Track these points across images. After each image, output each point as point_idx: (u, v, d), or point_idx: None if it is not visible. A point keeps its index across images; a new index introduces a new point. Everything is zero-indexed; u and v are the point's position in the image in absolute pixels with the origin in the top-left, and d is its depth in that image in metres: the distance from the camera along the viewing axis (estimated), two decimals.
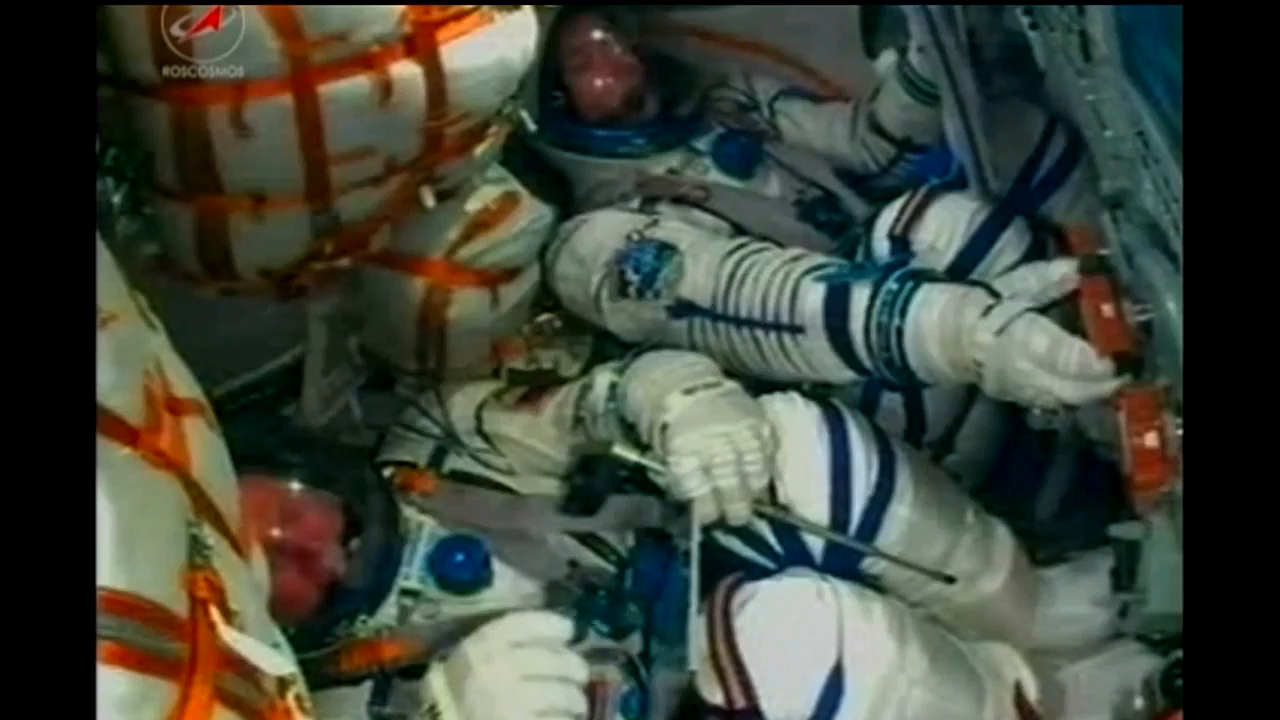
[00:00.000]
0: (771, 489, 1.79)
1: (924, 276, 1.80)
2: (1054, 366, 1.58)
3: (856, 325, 1.79)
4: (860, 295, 1.79)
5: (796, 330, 1.86)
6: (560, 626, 1.54)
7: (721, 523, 1.77)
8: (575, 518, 1.89)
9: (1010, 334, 1.62)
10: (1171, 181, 1.26)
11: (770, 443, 1.77)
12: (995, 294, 1.73)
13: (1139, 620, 1.65)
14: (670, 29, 2.64)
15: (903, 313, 1.74)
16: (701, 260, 2.02)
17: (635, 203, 2.33)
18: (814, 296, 1.84)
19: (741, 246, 2.03)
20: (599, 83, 2.41)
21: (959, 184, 2.10)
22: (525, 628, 1.53)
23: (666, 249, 2.08)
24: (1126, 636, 1.84)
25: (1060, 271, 1.71)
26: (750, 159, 2.46)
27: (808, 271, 1.88)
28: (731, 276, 1.96)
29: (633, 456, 1.79)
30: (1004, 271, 1.96)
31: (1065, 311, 1.66)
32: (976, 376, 1.69)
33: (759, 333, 1.91)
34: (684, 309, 2.01)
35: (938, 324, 1.71)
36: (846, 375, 1.87)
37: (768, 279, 1.91)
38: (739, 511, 1.75)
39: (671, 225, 2.20)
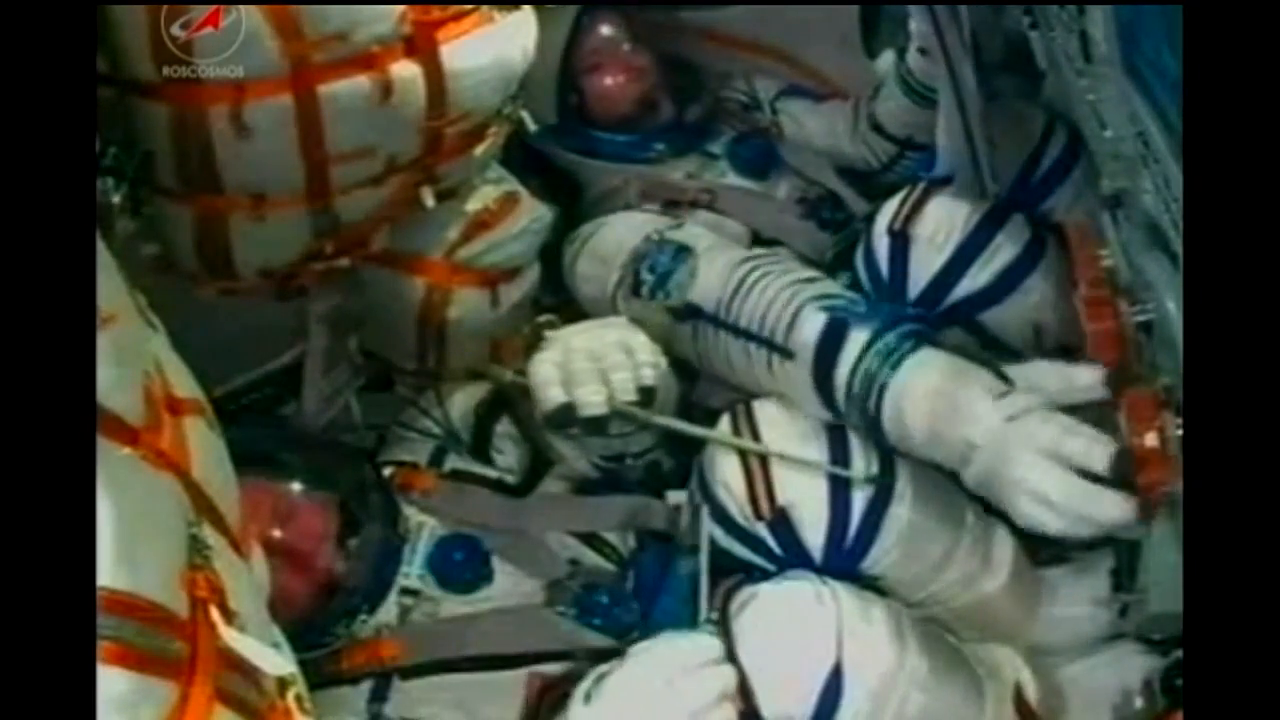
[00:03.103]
0: (771, 495, 1.79)
1: (927, 338, 1.75)
2: (1061, 458, 1.53)
3: (844, 367, 1.75)
4: (857, 337, 1.75)
5: (786, 354, 1.83)
6: (710, 645, 1.62)
7: (573, 414, 1.74)
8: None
9: (1022, 424, 1.57)
10: (1171, 181, 1.26)
11: (643, 349, 1.79)
12: (1007, 379, 1.67)
13: (1139, 620, 1.65)
14: (670, 29, 2.64)
15: (895, 366, 1.70)
16: (716, 265, 2.00)
17: (657, 206, 2.33)
18: (811, 326, 1.80)
19: (759, 257, 2.02)
20: (609, 81, 2.40)
21: (948, 182, 2.10)
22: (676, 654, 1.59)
23: (683, 251, 2.06)
24: (1126, 636, 1.84)
25: (1086, 379, 1.63)
26: (765, 161, 2.46)
27: (815, 298, 1.84)
28: (740, 284, 1.93)
29: (507, 375, 1.90)
30: (1001, 270, 1.95)
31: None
32: (959, 459, 1.64)
33: (751, 346, 1.89)
34: (690, 312, 1.99)
35: (932, 390, 1.66)
36: (816, 412, 1.83)
37: (773, 295, 1.88)
38: (590, 396, 1.72)
39: (693, 229, 2.19)
